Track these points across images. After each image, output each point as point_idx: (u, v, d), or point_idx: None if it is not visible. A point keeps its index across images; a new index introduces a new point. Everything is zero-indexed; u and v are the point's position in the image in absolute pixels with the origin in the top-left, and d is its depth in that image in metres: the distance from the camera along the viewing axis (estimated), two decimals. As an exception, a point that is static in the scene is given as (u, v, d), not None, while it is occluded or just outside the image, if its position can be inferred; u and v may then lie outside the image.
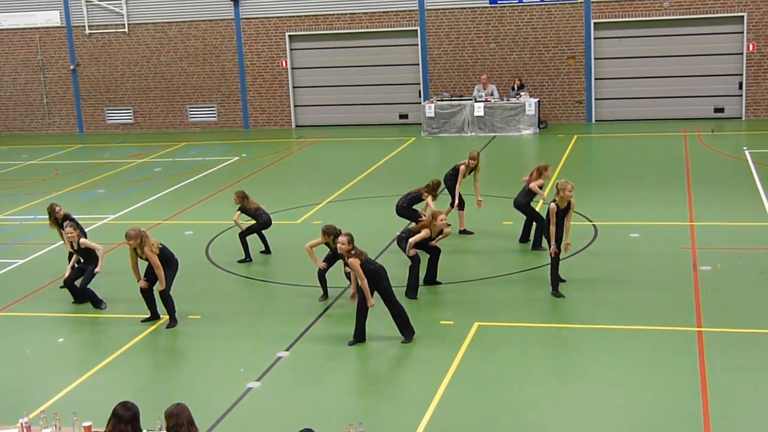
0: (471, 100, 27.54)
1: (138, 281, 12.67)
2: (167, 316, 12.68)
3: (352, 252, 11.39)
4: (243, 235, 15.48)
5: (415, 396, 10.14)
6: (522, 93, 27.52)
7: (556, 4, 28.18)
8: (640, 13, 27.78)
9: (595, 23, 28.09)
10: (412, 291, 13.25)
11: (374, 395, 10.53)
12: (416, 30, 29.33)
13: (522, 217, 15.67)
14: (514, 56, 28.78)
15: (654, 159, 22.84)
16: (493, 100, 27.41)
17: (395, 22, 29.48)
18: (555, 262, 12.99)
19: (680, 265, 14.15)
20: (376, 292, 11.54)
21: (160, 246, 12.51)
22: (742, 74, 27.61)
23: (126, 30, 31.38)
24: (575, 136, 26.19)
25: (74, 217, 14.75)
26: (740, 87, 27.70)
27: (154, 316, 12.80)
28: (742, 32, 27.30)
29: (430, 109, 27.73)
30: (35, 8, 32.02)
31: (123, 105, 32.17)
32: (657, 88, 28.24)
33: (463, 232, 16.44)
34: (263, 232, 15.70)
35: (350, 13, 29.66)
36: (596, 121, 28.77)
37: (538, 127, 27.43)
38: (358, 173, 22.33)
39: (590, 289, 13.35)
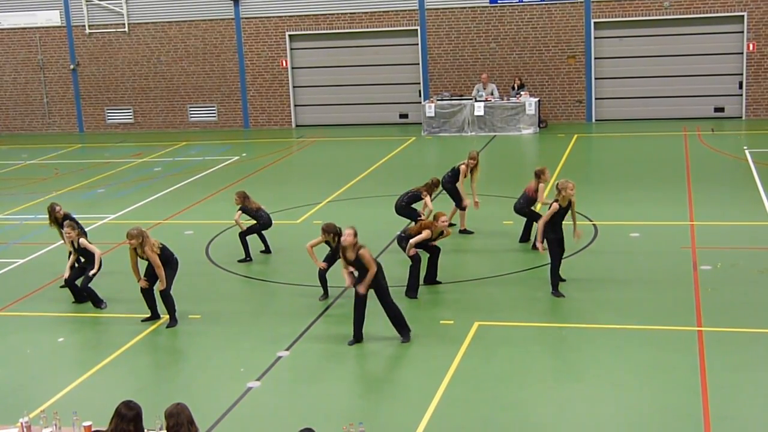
0: (471, 99, 27.53)
1: (138, 281, 12.68)
2: (167, 316, 12.68)
3: (359, 244, 11.38)
4: (243, 235, 15.48)
5: (415, 395, 10.14)
6: (522, 92, 27.51)
7: (556, 3, 28.18)
8: (640, 12, 27.78)
9: (595, 23, 28.09)
10: (412, 291, 13.25)
11: (374, 395, 10.54)
12: (416, 29, 29.32)
13: (521, 217, 15.67)
14: (514, 56, 28.78)
15: (654, 158, 22.84)
16: (493, 100, 27.41)
17: (395, 22, 29.48)
18: (556, 262, 12.98)
19: (680, 264, 14.15)
20: (371, 290, 11.57)
21: (161, 246, 12.52)
22: (742, 74, 27.61)
23: (126, 30, 31.39)
24: (575, 136, 26.19)
25: (74, 216, 14.76)
26: (740, 86, 27.70)
27: (155, 316, 12.80)
28: (743, 32, 27.30)
29: (430, 109, 27.73)
30: (35, 8, 32.02)
31: (123, 105, 32.18)
32: (657, 88, 28.24)
33: (464, 231, 16.44)
34: (263, 232, 15.70)
35: (350, 13, 29.66)
36: (596, 120, 28.77)
37: (539, 126, 27.43)
38: (358, 173, 22.33)
39: (590, 288, 13.35)
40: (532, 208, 15.48)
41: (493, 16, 28.66)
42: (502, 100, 27.48)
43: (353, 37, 29.97)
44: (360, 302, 11.53)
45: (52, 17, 31.95)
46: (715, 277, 13.46)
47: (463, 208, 16.41)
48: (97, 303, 13.48)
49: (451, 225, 14.10)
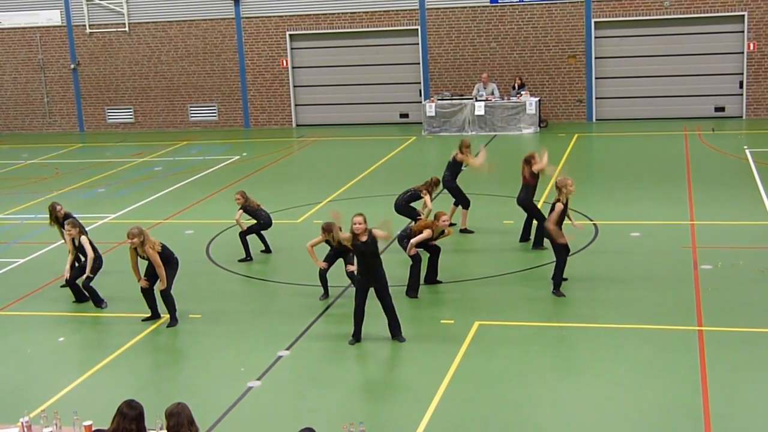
0: (472, 99, 27.53)
1: (138, 281, 12.68)
2: (168, 315, 12.68)
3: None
4: (243, 235, 15.48)
5: (415, 395, 10.14)
6: (523, 92, 27.51)
7: (556, 3, 28.18)
8: (640, 12, 27.77)
9: (595, 22, 28.08)
10: (412, 290, 13.25)
11: (375, 394, 10.54)
12: (417, 29, 29.32)
13: (522, 216, 15.67)
14: (514, 55, 28.77)
15: (654, 158, 22.84)
16: (493, 99, 27.40)
17: (396, 21, 29.47)
18: (562, 263, 12.96)
19: (681, 263, 14.15)
20: (372, 289, 11.58)
21: (161, 245, 12.52)
22: (742, 73, 27.60)
23: (126, 29, 31.39)
24: (576, 135, 26.18)
25: (75, 216, 14.76)
26: (741, 86, 27.70)
27: (155, 315, 12.80)
28: (743, 31, 27.29)
29: (430, 108, 27.72)
30: (36, 7, 32.02)
31: (123, 104, 32.18)
32: (658, 87, 28.23)
33: (465, 231, 16.44)
34: (263, 232, 15.69)
35: (351, 12, 29.66)
36: (597, 120, 28.77)
37: (539, 126, 27.43)
38: (358, 172, 22.34)
39: (591, 288, 13.35)
40: (534, 200, 15.40)
41: (494, 15, 28.65)
42: (503, 99, 27.47)
43: (354, 36, 29.97)
44: (361, 299, 11.53)
45: (52, 17, 31.95)
46: (716, 277, 13.45)
47: (466, 207, 16.39)
48: (98, 302, 13.48)
49: (451, 224, 14.09)
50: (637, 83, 28.37)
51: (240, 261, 15.41)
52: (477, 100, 27.37)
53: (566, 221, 13.24)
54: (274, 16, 30.32)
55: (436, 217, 13.32)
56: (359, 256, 11.49)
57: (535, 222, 15.40)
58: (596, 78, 28.51)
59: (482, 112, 27.27)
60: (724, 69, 27.82)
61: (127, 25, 31.33)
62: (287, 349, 11.63)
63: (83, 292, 13.56)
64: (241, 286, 14.60)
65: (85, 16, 31.60)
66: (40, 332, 12.80)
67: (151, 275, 12.59)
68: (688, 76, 28.04)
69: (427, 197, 15.23)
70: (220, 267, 15.34)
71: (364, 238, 11.37)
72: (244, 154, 26.13)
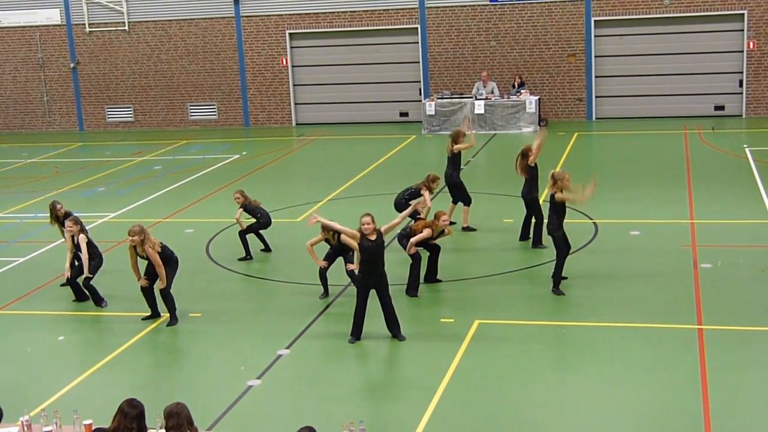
0: (471, 98, 27.51)
1: (138, 280, 12.68)
2: (168, 314, 12.69)
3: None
4: (243, 234, 15.48)
5: (415, 394, 10.15)
6: (522, 91, 27.50)
7: (556, 1, 28.16)
8: (640, 10, 27.76)
9: (595, 21, 28.07)
10: (412, 289, 13.25)
11: (375, 393, 10.54)
12: (416, 28, 29.31)
13: (521, 215, 15.65)
14: (514, 54, 28.77)
15: (654, 157, 22.84)
16: (493, 98, 27.39)
17: (395, 20, 29.46)
18: (561, 260, 12.96)
19: (681, 262, 14.15)
20: (373, 290, 11.58)
21: (161, 245, 12.52)
22: (742, 72, 27.59)
23: (126, 28, 31.38)
24: (576, 134, 26.18)
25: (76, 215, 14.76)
26: (740, 85, 27.69)
27: (155, 314, 12.80)
28: (743, 30, 27.27)
29: (430, 107, 27.71)
30: (35, 6, 31.99)
31: (123, 103, 32.16)
32: (657, 86, 28.22)
33: (467, 229, 16.43)
34: (263, 231, 15.68)
35: (350, 11, 29.65)
36: (597, 118, 28.76)
37: (539, 124, 27.41)
38: (358, 171, 22.34)
39: (591, 286, 13.35)
40: (536, 196, 15.37)
41: (494, 14, 28.65)
42: (503, 98, 27.46)
43: (353, 35, 29.96)
44: (362, 299, 11.53)
45: (52, 15, 31.93)
46: (716, 275, 13.46)
47: (467, 204, 16.37)
48: (98, 301, 13.49)
49: (451, 224, 14.08)
50: (637, 82, 28.35)
51: (240, 260, 15.41)
52: (477, 99, 27.36)
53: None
54: (273, 15, 30.31)
55: (436, 216, 13.32)
56: (365, 255, 11.48)
57: (534, 220, 15.38)
58: (596, 77, 28.50)
59: (482, 111, 27.26)
60: (724, 68, 27.81)
61: (126, 23, 31.32)
62: (287, 347, 11.63)
63: (83, 291, 13.57)
64: (241, 285, 14.60)
65: (84, 15, 31.59)
66: (40, 331, 12.80)
67: (151, 274, 12.59)
68: (687, 75, 28.03)
69: (426, 194, 15.22)
70: (220, 266, 15.34)
71: (373, 238, 11.38)
72: (244, 152, 26.12)
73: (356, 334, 11.66)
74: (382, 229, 11.51)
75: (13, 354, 12.06)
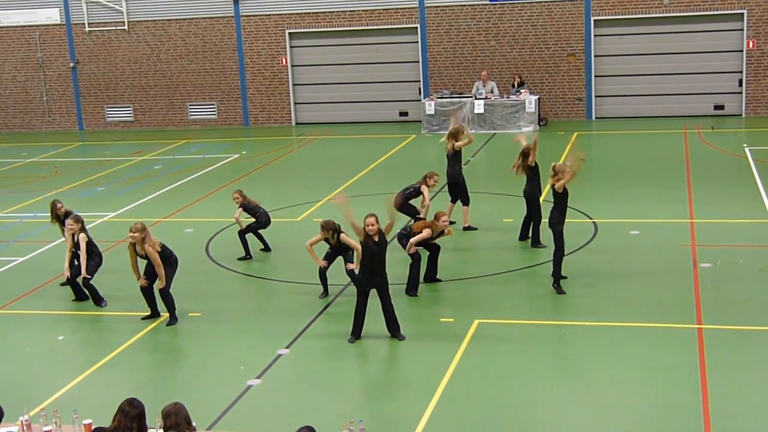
0: (471, 97, 27.51)
1: (138, 279, 12.68)
2: (167, 314, 12.69)
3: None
4: (243, 233, 15.48)
5: (415, 393, 10.15)
6: (522, 90, 27.50)
7: (556, 1, 28.16)
8: (640, 10, 27.76)
9: (595, 20, 28.08)
10: (412, 288, 13.25)
11: (374, 392, 10.55)
12: (416, 27, 29.31)
13: (521, 214, 15.65)
14: (514, 53, 28.76)
15: (654, 156, 22.84)
16: (493, 98, 27.39)
17: (395, 20, 29.46)
18: (559, 256, 12.96)
19: (680, 262, 14.15)
20: (373, 289, 11.58)
21: (161, 245, 12.51)
22: (742, 71, 27.59)
23: (126, 27, 31.37)
24: (575, 134, 26.18)
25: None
26: (740, 84, 27.69)
27: (155, 314, 12.80)
28: (742, 29, 27.28)
29: (430, 107, 27.71)
30: (35, 6, 31.99)
31: (123, 102, 32.16)
32: (657, 86, 28.22)
33: (468, 228, 16.42)
34: (262, 231, 15.68)
35: (350, 11, 29.65)
36: (596, 118, 28.76)
37: (538, 124, 27.42)
38: (358, 171, 22.34)
39: (590, 285, 13.35)
40: (539, 195, 15.36)
41: (493, 13, 28.64)
42: (502, 97, 27.46)
43: (353, 34, 29.95)
44: (363, 299, 11.53)
45: (51, 15, 31.92)
46: (715, 275, 13.46)
47: (466, 203, 16.35)
48: (98, 301, 13.49)
49: (450, 223, 14.08)
50: (637, 81, 28.36)
51: (239, 259, 15.40)
52: (476, 98, 27.36)
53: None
54: (273, 15, 30.30)
55: (436, 216, 13.31)
56: (368, 256, 11.48)
57: (532, 221, 15.38)
58: (595, 76, 28.50)
59: (482, 111, 27.26)
60: (724, 67, 27.81)
61: (126, 23, 31.31)
62: (287, 347, 11.63)
63: (83, 291, 13.57)
64: (241, 285, 14.60)
65: (84, 15, 31.58)
66: (40, 331, 12.80)
67: (151, 274, 12.59)
68: (687, 74, 28.03)
69: (426, 191, 15.20)
70: (220, 265, 15.33)
71: (377, 239, 11.39)
72: (244, 152, 26.12)
73: (356, 333, 11.67)
74: (383, 230, 11.52)
75: (13, 353, 12.06)
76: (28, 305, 13.82)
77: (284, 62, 30.56)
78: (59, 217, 14.50)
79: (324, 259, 13.27)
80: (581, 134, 26.30)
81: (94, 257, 13.51)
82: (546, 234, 14.19)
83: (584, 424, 9.35)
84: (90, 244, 13.47)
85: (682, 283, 13.19)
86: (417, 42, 29.43)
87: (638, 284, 13.36)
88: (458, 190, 16.38)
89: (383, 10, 29.42)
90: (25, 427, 7.90)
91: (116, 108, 32.25)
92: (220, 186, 21.24)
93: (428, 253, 13.68)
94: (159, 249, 12.41)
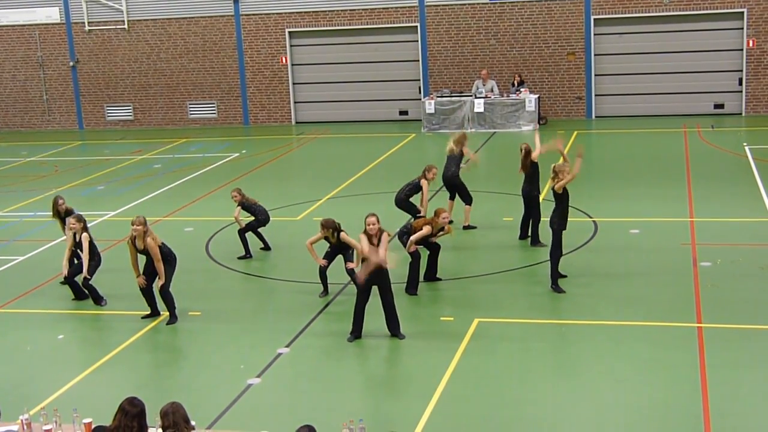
0: (471, 96, 27.51)
1: (137, 277, 12.67)
2: (167, 313, 12.69)
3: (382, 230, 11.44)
4: (242, 232, 15.48)
5: (415, 392, 10.15)
6: (522, 89, 27.50)
7: (556, 0, 28.16)
8: (640, 9, 27.76)
9: (595, 19, 28.07)
10: (412, 287, 13.26)
11: (374, 391, 10.55)
12: (416, 26, 29.30)
13: (521, 213, 15.65)
14: (514, 52, 28.76)
15: (654, 155, 22.84)
16: (493, 97, 27.39)
17: (395, 19, 29.45)
18: (557, 257, 12.96)
19: (680, 261, 14.15)
20: (375, 286, 11.58)
21: (160, 243, 12.51)
22: (742, 70, 27.59)
23: (126, 26, 31.36)
24: (575, 132, 26.17)
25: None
26: (740, 83, 27.69)
27: (154, 313, 12.80)
28: (742, 28, 27.28)
29: (430, 106, 27.71)
30: (35, 5, 31.99)
31: (123, 101, 32.16)
32: (657, 84, 28.22)
33: (468, 227, 16.42)
34: (261, 229, 15.68)
35: (350, 10, 29.64)
36: (596, 117, 28.76)
37: (538, 123, 27.42)
38: (358, 170, 22.34)
39: (590, 284, 13.36)
40: (537, 194, 15.35)
41: (493, 12, 28.64)
42: (502, 96, 27.46)
43: (353, 33, 29.95)
44: (363, 298, 11.53)
45: (51, 14, 31.92)
46: (715, 274, 13.46)
47: (468, 203, 16.33)
48: (98, 300, 13.49)
49: (449, 222, 14.07)
50: (637, 80, 28.36)
51: (239, 258, 15.41)
52: (476, 97, 27.36)
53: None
54: (273, 13, 30.30)
55: (436, 213, 13.31)
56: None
57: (531, 220, 15.37)
58: (595, 75, 28.50)
59: (481, 110, 27.26)
60: (724, 66, 27.82)
61: (126, 22, 31.31)
62: (287, 346, 11.63)
63: (83, 290, 13.57)
64: (241, 284, 14.60)
65: (84, 14, 31.58)
66: (40, 330, 12.80)
67: (150, 273, 12.59)
68: (687, 73, 28.03)
69: (425, 185, 15.19)
70: (220, 264, 15.33)
71: (375, 241, 11.39)
72: (244, 151, 26.12)
73: (356, 332, 11.67)
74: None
75: (13, 352, 12.05)
76: (28, 304, 13.82)
77: (284, 61, 30.56)
78: (60, 214, 14.51)
79: (324, 258, 13.27)
80: (581, 133, 26.29)
81: (94, 258, 13.50)
82: (546, 233, 14.19)
83: (584, 423, 9.35)
84: (91, 245, 13.47)
85: (682, 282, 13.19)
86: (417, 41, 29.42)
87: (638, 283, 13.36)
88: (457, 191, 16.39)
89: (383, 8, 29.42)
90: (25, 426, 7.90)
91: (116, 107, 32.25)
92: (220, 185, 21.23)
93: (428, 252, 13.68)
94: (159, 244, 12.42)
